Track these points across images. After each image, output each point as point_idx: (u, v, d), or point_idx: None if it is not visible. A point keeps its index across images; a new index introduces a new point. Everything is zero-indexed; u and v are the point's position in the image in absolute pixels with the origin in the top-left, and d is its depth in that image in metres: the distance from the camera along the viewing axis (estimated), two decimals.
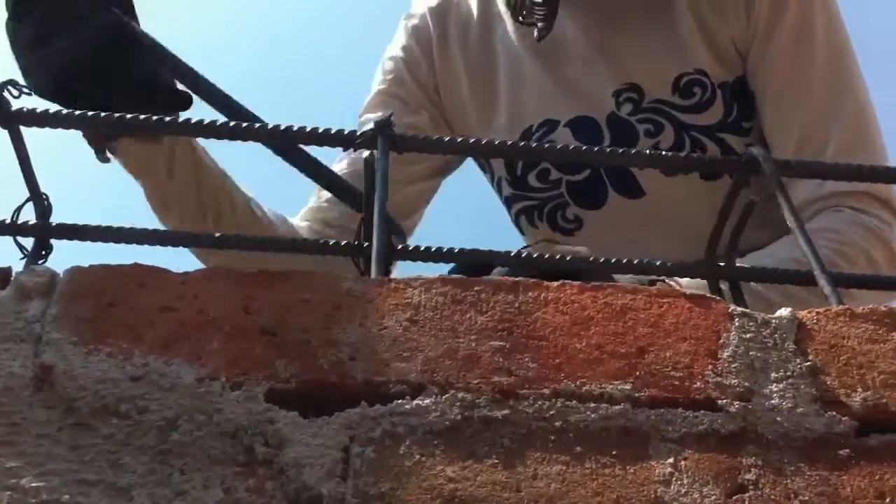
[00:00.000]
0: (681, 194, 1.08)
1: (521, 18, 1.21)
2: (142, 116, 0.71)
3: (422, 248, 0.75)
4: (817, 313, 0.57)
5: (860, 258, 1.07)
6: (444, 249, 0.76)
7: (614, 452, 0.49)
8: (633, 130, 1.16)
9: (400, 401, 0.50)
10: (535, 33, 1.17)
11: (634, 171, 1.13)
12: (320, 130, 0.73)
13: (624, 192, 1.17)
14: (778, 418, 0.51)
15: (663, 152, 0.74)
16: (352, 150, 0.92)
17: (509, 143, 0.74)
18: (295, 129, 0.73)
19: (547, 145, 0.74)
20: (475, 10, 1.31)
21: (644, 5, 1.21)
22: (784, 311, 0.57)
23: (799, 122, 1.13)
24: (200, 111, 0.82)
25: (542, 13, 1.17)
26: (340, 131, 0.73)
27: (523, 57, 1.26)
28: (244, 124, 0.72)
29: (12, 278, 0.54)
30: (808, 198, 1.10)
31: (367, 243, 0.72)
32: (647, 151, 0.76)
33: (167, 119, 0.74)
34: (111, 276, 0.54)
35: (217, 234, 0.75)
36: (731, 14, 1.17)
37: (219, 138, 0.72)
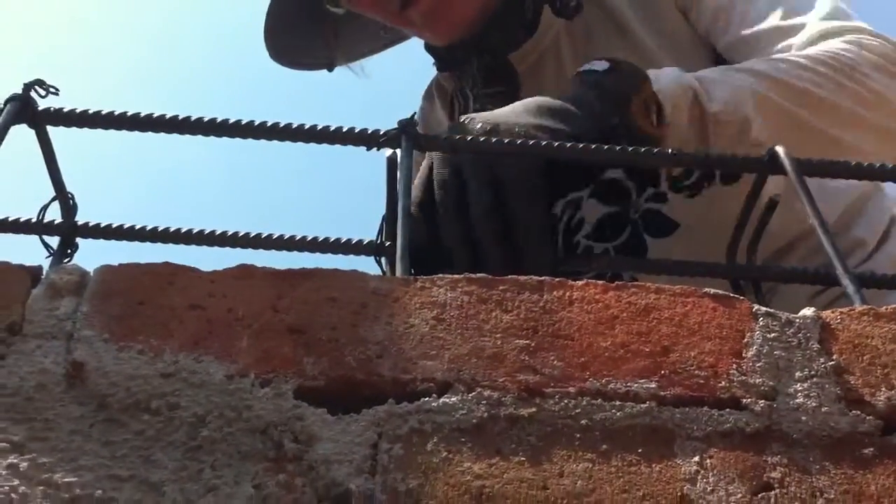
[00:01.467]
0: (706, 209, 1.06)
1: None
2: (168, 115, 0.72)
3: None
4: (841, 313, 0.57)
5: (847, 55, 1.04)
6: None
7: (640, 450, 0.49)
8: None
9: (427, 398, 0.50)
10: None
11: (663, 210, 1.11)
12: (345, 130, 0.74)
13: (659, 233, 1.14)
14: (803, 417, 0.51)
15: (680, 151, 0.74)
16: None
17: (531, 142, 0.75)
18: (319, 128, 0.74)
19: (556, 144, 0.74)
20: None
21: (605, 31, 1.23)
22: (808, 311, 0.57)
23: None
24: (220, 111, 0.82)
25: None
26: (364, 130, 0.74)
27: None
28: (269, 123, 0.73)
29: (43, 276, 0.54)
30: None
31: (388, 242, 0.72)
32: (670, 151, 0.76)
33: (185, 117, 0.74)
34: (141, 274, 0.55)
35: (241, 233, 0.75)
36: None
37: (244, 138, 0.73)
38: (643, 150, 0.75)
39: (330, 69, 1.39)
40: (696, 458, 0.49)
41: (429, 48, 1.28)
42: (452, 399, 0.50)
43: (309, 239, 0.77)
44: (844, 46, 1.05)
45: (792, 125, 0.97)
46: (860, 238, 1.21)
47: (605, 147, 0.77)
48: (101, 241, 0.78)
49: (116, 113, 0.73)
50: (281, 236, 0.77)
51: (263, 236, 0.77)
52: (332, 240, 0.76)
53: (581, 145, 0.75)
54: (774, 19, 1.13)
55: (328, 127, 0.74)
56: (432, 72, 1.38)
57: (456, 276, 0.57)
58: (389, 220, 0.71)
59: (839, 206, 1.20)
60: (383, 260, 0.75)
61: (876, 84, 1.04)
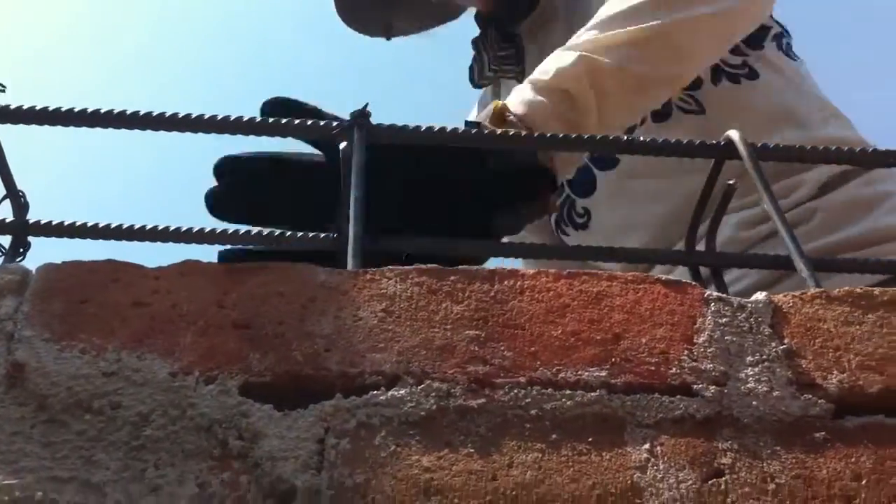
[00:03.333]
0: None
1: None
2: (117, 110, 0.70)
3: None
4: (793, 297, 0.57)
5: None
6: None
7: (590, 439, 0.49)
8: None
9: (375, 392, 0.50)
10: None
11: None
12: (296, 122, 0.73)
13: (602, 166, 1.26)
14: (754, 402, 0.51)
15: (640, 138, 0.74)
16: None
17: (486, 131, 0.74)
18: (270, 121, 0.73)
19: (512, 132, 0.75)
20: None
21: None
22: (760, 295, 0.57)
23: None
24: (185, 106, 0.81)
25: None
26: (316, 123, 0.73)
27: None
28: (219, 117, 0.72)
29: None
30: None
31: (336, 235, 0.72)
32: (625, 138, 0.76)
33: (154, 113, 0.73)
34: (83, 272, 0.54)
35: (195, 230, 0.75)
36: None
37: (194, 132, 0.72)
38: (599, 137, 0.75)
39: (388, 37, 1.48)
40: (647, 446, 0.49)
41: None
42: (401, 392, 0.50)
43: (265, 233, 0.76)
44: None
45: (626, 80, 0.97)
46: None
47: (574, 136, 0.76)
48: (63, 240, 0.77)
49: (63, 109, 0.72)
50: (236, 231, 0.76)
51: (218, 231, 0.76)
52: (287, 234, 0.76)
53: (536, 135, 0.75)
54: None
55: (279, 120, 0.73)
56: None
57: (407, 267, 0.56)
58: (342, 212, 0.70)
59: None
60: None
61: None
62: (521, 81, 1.09)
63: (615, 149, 0.84)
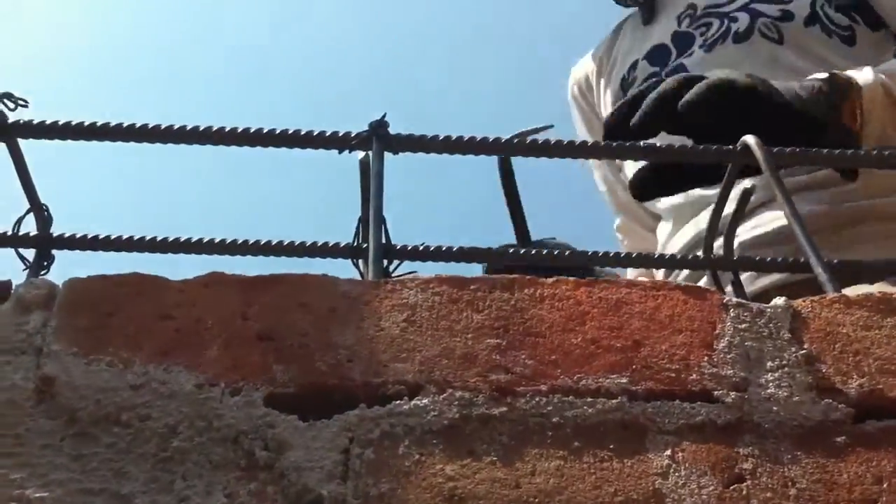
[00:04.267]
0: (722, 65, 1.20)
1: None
2: (113, 123, 0.72)
3: (420, 248, 0.76)
4: (812, 301, 0.57)
5: None
6: (444, 248, 0.77)
7: (612, 446, 0.49)
8: (691, 37, 1.33)
9: (398, 401, 0.50)
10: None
11: (681, 61, 1.31)
12: (315, 133, 0.74)
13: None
14: (774, 407, 0.51)
15: (658, 144, 0.75)
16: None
17: (504, 139, 0.75)
18: (290, 132, 0.74)
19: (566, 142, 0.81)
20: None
21: None
22: (779, 301, 0.57)
23: None
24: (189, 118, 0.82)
25: None
26: (336, 133, 0.74)
27: (627, 29, 1.48)
28: (239, 129, 0.73)
29: (12, 291, 0.54)
30: None
31: (364, 244, 0.72)
32: (641, 144, 0.77)
33: (173, 126, 0.74)
34: (109, 285, 0.54)
35: (217, 240, 0.75)
36: None
37: (214, 144, 0.72)
38: (615, 144, 0.75)
39: None
40: (668, 452, 0.49)
41: None
42: (424, 401, 0.50)
43: (286, 243, 0.77)
44: None
45: None
46: None
47: (578, 143, 0.77)
48: (87, 252, 0.78)
49: (87, 123, 0.73)
50: (257, 241, 0.77)
51: (239, 242, 0.77)
52: (308, 244, 0.77)
53: (554, 141, 0.75)
54: None
55: (298, 131, 0.74)
56: None
57: (427, 276, 0.57)
58: (364, 221, 0.71)
59: None
60: (361, 263, 0.76)
61: None
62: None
63: (635, 155, 0.85)
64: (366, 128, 0.73)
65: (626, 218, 1.45)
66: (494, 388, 0.51)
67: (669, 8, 1.41)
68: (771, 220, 1.10)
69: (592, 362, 0.53)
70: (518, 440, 0.49)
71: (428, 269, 0.79)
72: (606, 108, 1.46)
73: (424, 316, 0.55)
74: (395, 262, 0.77)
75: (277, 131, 0.74)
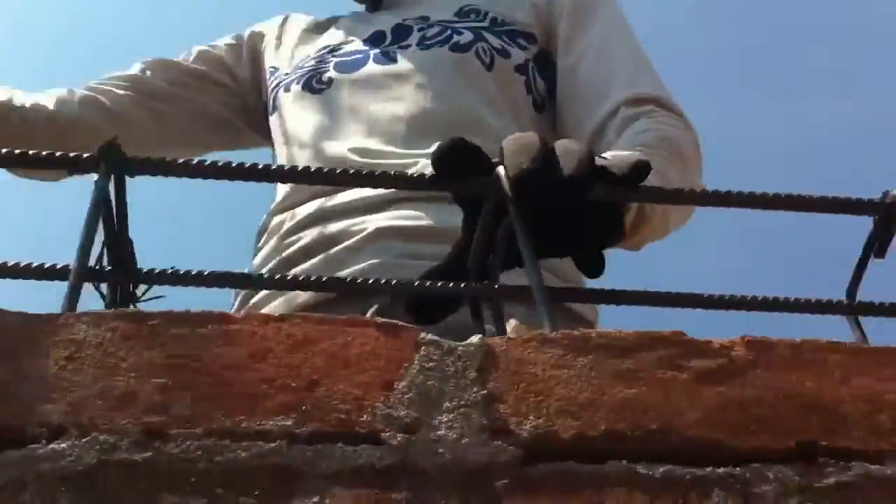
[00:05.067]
0: (431, 63, 1.32)
1: None
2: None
3: (169, 271, 0.72)
4: (508, 339, 0.56)
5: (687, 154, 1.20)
6: (194, 272, 0.73)
7: (257, 493, 0.47)
8: (409, 29, 1.40)
9: (34, 445, 0.47)
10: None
11: (393, 48, 1.38)
12: (44, 154, 0.70)
13: (380, 62, 1.37)
14: (440, 450, 0.49)
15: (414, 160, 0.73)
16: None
17: (247, 165, 0.72)
18: (17, 152, 0.70)
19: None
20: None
21: None
22: (474, 339, 0.55)
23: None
24: None
25: None
26: (65, 154, 0.70)
27: (348, 21, 1.52)
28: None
29: None
30: (600, 122, 1.25)
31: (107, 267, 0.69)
32: (392, 173, 0.75)
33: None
34: None
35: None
36: None
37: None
38: (364, 172, 0.73)
39: None
40: (316, 499, 0.47)
41: None
42: (63, 445, 0.47)
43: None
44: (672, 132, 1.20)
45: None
46: None
47: (327, 170, 0.75)
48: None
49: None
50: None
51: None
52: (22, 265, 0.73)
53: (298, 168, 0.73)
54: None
55: (26, 152, 0.70)
56: None
57: (103, 311, 0.54)
58: (81, 247, 0.67)
59: None
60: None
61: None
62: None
63: (384, 183, 0.83)
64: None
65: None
66: (146, 431, 0.48)
67: (403, 10, 1.47)
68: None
69: (263, 403, 0.51)
70: (158, 488, 0.46)
71: (188, 295, 0.76)
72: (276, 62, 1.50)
73: (89, 353, 0.51)
74: (143, 287, 0.74)
75: (3, 151, 0.70)
